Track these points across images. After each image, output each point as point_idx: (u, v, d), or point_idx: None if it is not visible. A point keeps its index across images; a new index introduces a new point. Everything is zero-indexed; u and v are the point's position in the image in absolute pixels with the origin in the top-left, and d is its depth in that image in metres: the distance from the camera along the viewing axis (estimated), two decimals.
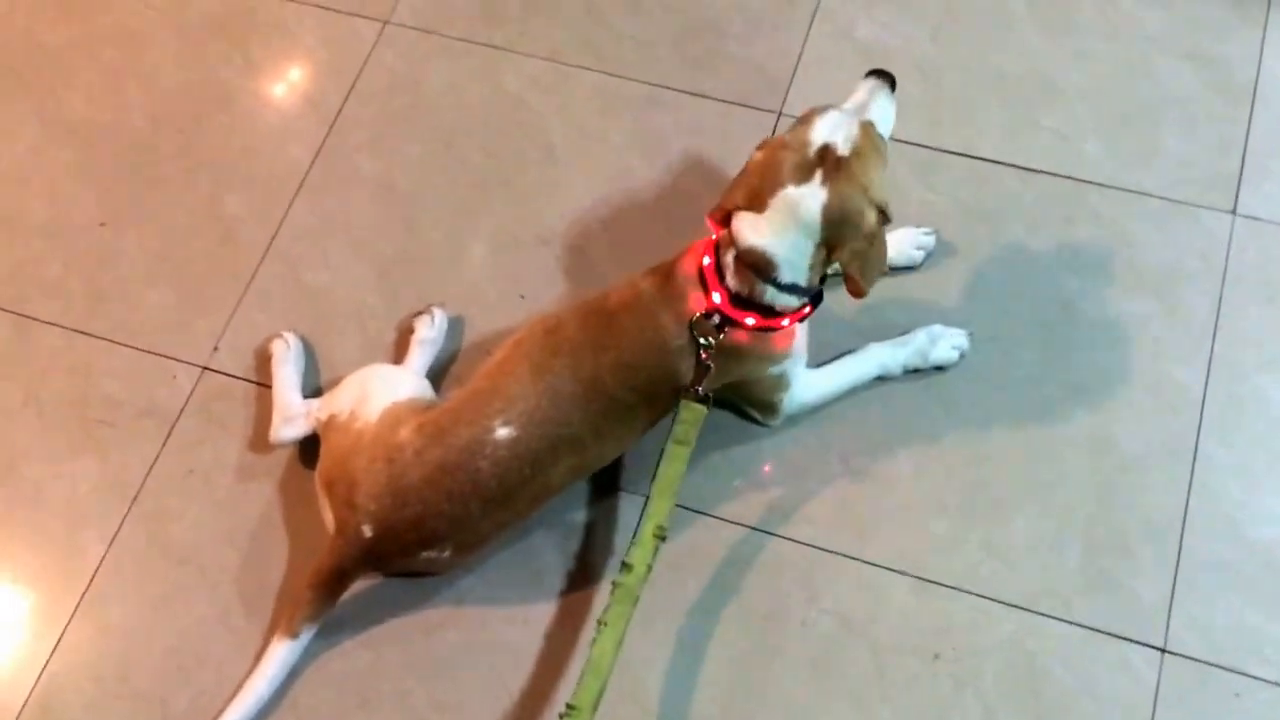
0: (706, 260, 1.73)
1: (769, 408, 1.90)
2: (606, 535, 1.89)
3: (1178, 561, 1.81)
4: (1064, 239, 2.06)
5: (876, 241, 1.69)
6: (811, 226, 1.65)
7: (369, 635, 1.84)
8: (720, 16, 2.33)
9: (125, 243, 2.18)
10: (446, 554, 1.77)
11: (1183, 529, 1.83)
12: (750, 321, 1.71)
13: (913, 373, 1.96)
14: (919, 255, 2.04)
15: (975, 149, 2.15)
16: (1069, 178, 2.11)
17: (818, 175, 1.64)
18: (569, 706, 1.58)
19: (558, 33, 2.34)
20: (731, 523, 1.88)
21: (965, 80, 2.22)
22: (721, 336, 1.71)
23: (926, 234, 2.05)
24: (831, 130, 1.66)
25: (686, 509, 1.89)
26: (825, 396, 1.94)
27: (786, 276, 1.68)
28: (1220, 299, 1.99)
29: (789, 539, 1.86)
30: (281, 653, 1.77)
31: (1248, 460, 1.87)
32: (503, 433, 1.73)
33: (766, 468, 1.92)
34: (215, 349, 2.06)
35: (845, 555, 1.85)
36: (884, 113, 1.75)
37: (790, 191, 1.65)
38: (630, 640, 1.66)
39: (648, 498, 1.71)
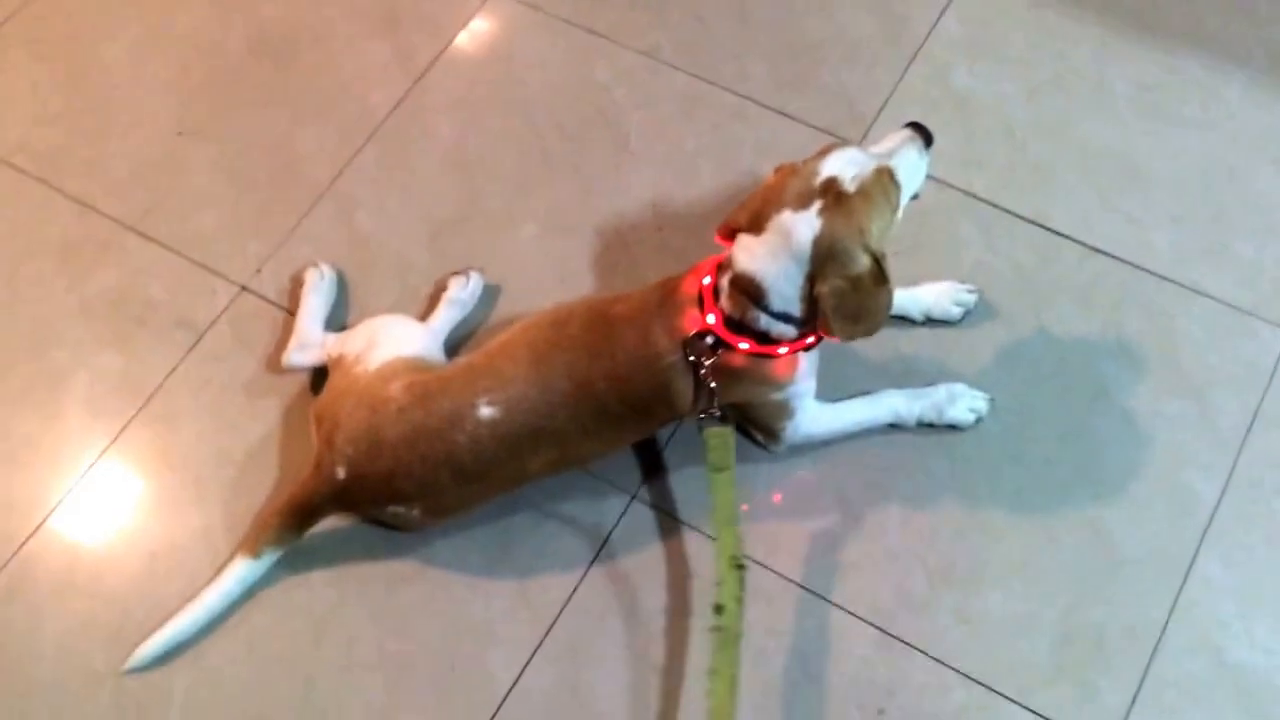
0: (707, 280, 1.72)
1: (771, 434, 1.89)
2: (584, 529, 1.89)
3: (1147, 669, 1.74)
4: (1111, 324, 2.01)
5: (863, 288, 1.62)
6: (801, 255, 1.62)
7: (336, 573, 1.87)
8: (823, 42, 2.32)
9: (196, 156, 2.25)
10: (415, 513, 1.79)
11: (1160, 638, 1.76)
12: (744, 347, 1.69)
13: (926, 426, 1.92)
14: (957, 311, 2.00)
15: (1044, 218, 2.11)
16: (1130, 264, 2.05)
17: (816, 205, 1.61)
18: None
19: (659, 30, 2.35)
20: (708, 537, 1.86)
21: (1050, 149, 2.17)
22: (715, 358, 1.70)
23: (970, 291, 2.01)
24: (843, 165, 1.63)
25: (668, 514, 1.88)
26: (833, 433, 1.91)
27: (777, 304, 1.65)
28: (1256, 414, 1.91)
29: (763, 565, 1.84)
30: (239, 569, 1.81)
31: (1244, 583, 1.80)
32: (485, 412, 1.73)
33: (776, 496, 1.90)
34: (258, 271, 2.12)
35: (815, 593, 1.82)
36: (910, 167, 1.70)
37: (786, 216, 1.62)
38: (581, 641, 1.65)
39: (715, 537, 1.69)
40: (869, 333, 1.68)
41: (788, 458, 1.92)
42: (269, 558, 1.82)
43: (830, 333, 1.66)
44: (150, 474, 1.96)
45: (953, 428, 1.92)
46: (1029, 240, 2.09)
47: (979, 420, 1.92)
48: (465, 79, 2.32)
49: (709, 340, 1.70)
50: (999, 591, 1.81)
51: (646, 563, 1.85)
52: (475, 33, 2.37)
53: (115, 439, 1.98)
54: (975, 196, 2.12)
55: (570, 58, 2.33)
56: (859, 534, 1.86)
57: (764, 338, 1.69)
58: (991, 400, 1.93)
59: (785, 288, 1.65)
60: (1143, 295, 2.03)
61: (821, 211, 1.61)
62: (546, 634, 1.81)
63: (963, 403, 1.92)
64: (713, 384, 1.71)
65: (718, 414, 1.73)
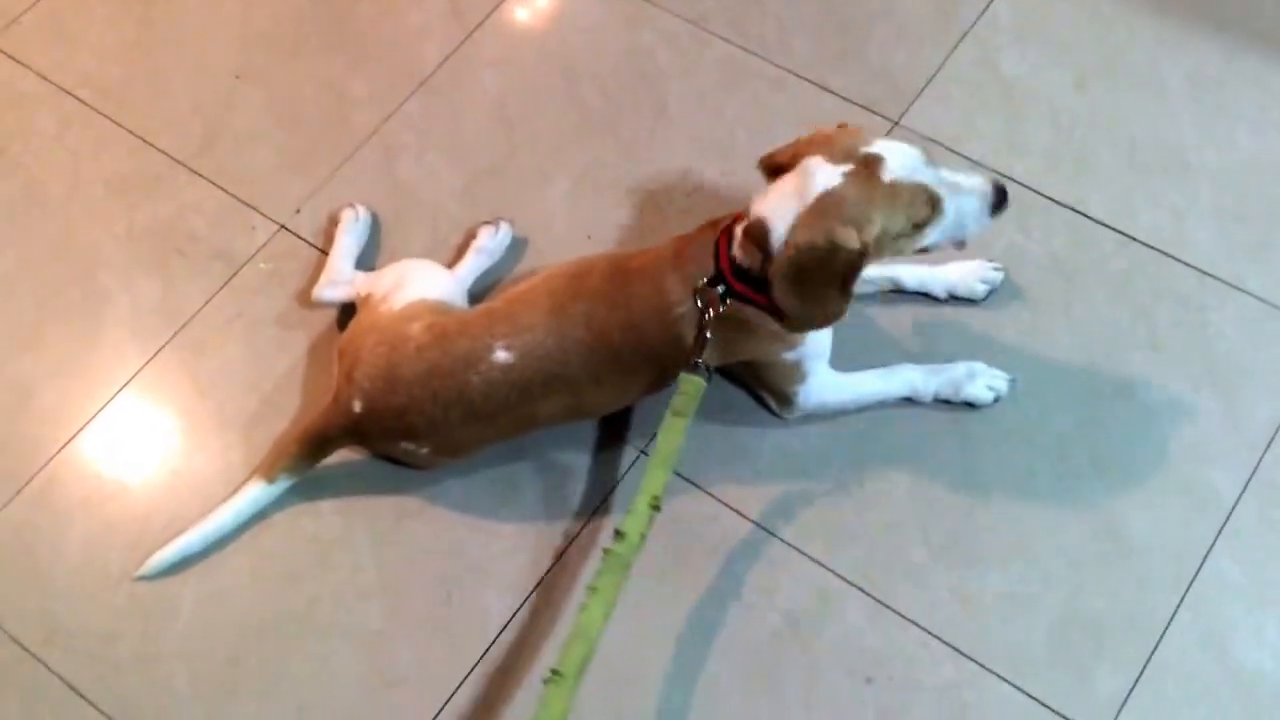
0: (721, 231, 1.72)
1: (783, 398, 1.88)
2: (591, 480, 1.90)
3: (1148, 661, 1.71)
4: (1144, 315, 1.97)
5: (828, 269, 1.60)
6: (806, 201, 1.61)
7: (345, 504, 1.91)
8: (870, 18, 2.31)
9: (251, 97, 2.31)
10: (425, 451, 1.82)
11: (1165, 631, 1.73)
12: (754, 299, 1.70)
13: (942, 403, 1.91)
14: (982, 290, 1.98)
15: (1084, 205, 2.07)
16: (1169, 255, 2.01)
17: (847, 165, 1.61)
18: (554, 672, 1.52)
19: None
20: (710, 495, 1.87)
21: (1097, 137, 2.14)
22: (724, 308, 1.70)
23: (995, 269, 1.99)
24: (895, 155, 1.61)
25: (676, 473, 1.88)
26: (847, 403, 1.90)
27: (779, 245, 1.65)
28: None
29: (763, 527, 1.84)
30: (253, 492, 1.86)
31: (1257, 584, 1.75)
32: (500, 355, 1.76)
33: (775, 465, 1.89)
34: (297, 211, 2.17)
35: (812, 558, 1.82)
36: (961, 212, 1.65)
37: (815, 161, 1.62)
38: (576, 587, 1.67)
39: (645, 467, 1.69)
40: (803, 319, 1.68)
41: (798, 425, 1.91)
42: (283, 483, 1.87)
43: (773, 294, 1.64)
44: (178, 398, 2.02)
45: (969, 406, 1.90)
46: (1065, 226, 2.06)
47: (997, 400, 1.90)
48: (513, 37, 2.35)
49: (719, 289, 1.71)
50: (1000, 572, 1.79)
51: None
52: None
53: (148, 362, 2.05)
54: (1013, 180, 2.09)
55: (618, 22, 2.35)
56: (862, 503, 1.85)
57: (772, 290, 1.68)
58: (1012, 381, 1.91)
59: (784, 233, 1.64)
60: (1179, 288, 1.99)
61: (848, 175, 1.60)
62: (543, 578, 1.83)
63: (981, 380, 1.90)
64: (708, 334, 1.71)
65: (703, 365, 1.72)
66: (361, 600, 1.84)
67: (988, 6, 2.29)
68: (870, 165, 1.60)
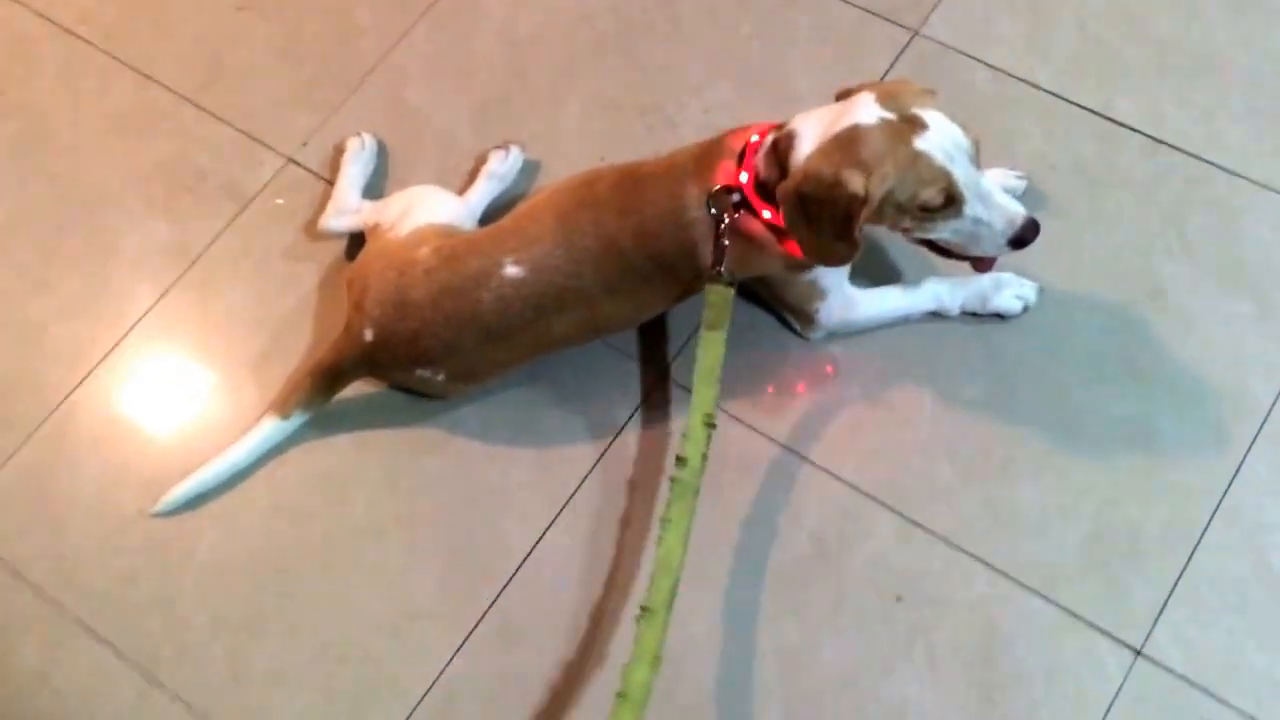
0: (755, 138, 1.67)
1: (805, 316, 1.83)
2: (611, 405, 1.87)
3: (1185, 568, 1.67)
4: (1173, 219, 1.91)
5: (833, 204, 1.54)
6: (836, 131, 1.56)
7: (362, 438, 1.88)
8: None
9: (255, 29, 2.26)
10: (440, 377, 1.79)
11: (1201, 537, 1.68)
12: (767, 215, 1.65)
13: (970, 315, 1.86)
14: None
15: (1110, 109, 2.01)
16: (1198, 158, 1.95)
17: (889, 113, 1.55)
18: (643, 609, 1.51)
19: None
20: (733, 418, 1.83)
21: (1122, 36, 2.07)
22: (735, 217, 1.65)
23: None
24: (941, 131, 1.54)
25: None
26: (870, 320, 1.85)
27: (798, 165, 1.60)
28: None
29: (788, 448, 1.80)
30: (267, 428, 1.83)
31: None
32: (511, 270, 1.72)
33: (800, 385, 1.85)
34: (305, 144, 2.13)
35: (839, 478, 1.78)
36: (985, 228, 1.60)
37: (866, 96, 1.57)
38: (601, 513, 1.64)
39: (691, 388, 1.66)
40: (807, 250, 1.63)
41: (822, 344, 1.86)
42: (297, 419, 1.84)
43: (778, 214, 1.61)
44: (189, 336, 1.99)
45: (998, 317, 1.85)
46: (1091, 131, 1.99)
47: (1026, 310, 1.85)
48: None
49: (735, 198, 1.66)
50: (1031, 485, 1.74)
51: (670, 441, 1.82)
52: None
53: (157, 301, 2.02)
54: (1037, 86, 2.03)
55: None
56: (887, 420, 1.81)
57: None
58: (1040, 289, 1.85)
59: (806, 152, 1.60)
60: (1209, 191, 1.92)
61: (884, 121, 1.55)
62: (564, 507, 1.80)
63: (1009, 290, 1.84)
64: (726, 242, 1.67)
65: (724, 275, 1.68)
66: (379, 535, 1.81)
67: None
68: (910, 125, 1.54)
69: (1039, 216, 1.88)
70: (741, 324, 1.84)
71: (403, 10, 2.25)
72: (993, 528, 1.72)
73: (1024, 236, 1.61)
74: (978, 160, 1.60)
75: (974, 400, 1.81)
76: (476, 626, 1.74)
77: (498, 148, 2.04)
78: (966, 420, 1.80)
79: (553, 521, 1.79)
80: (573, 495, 1.81)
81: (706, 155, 1.71)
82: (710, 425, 1.64)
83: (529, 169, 2.05)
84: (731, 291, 1.70)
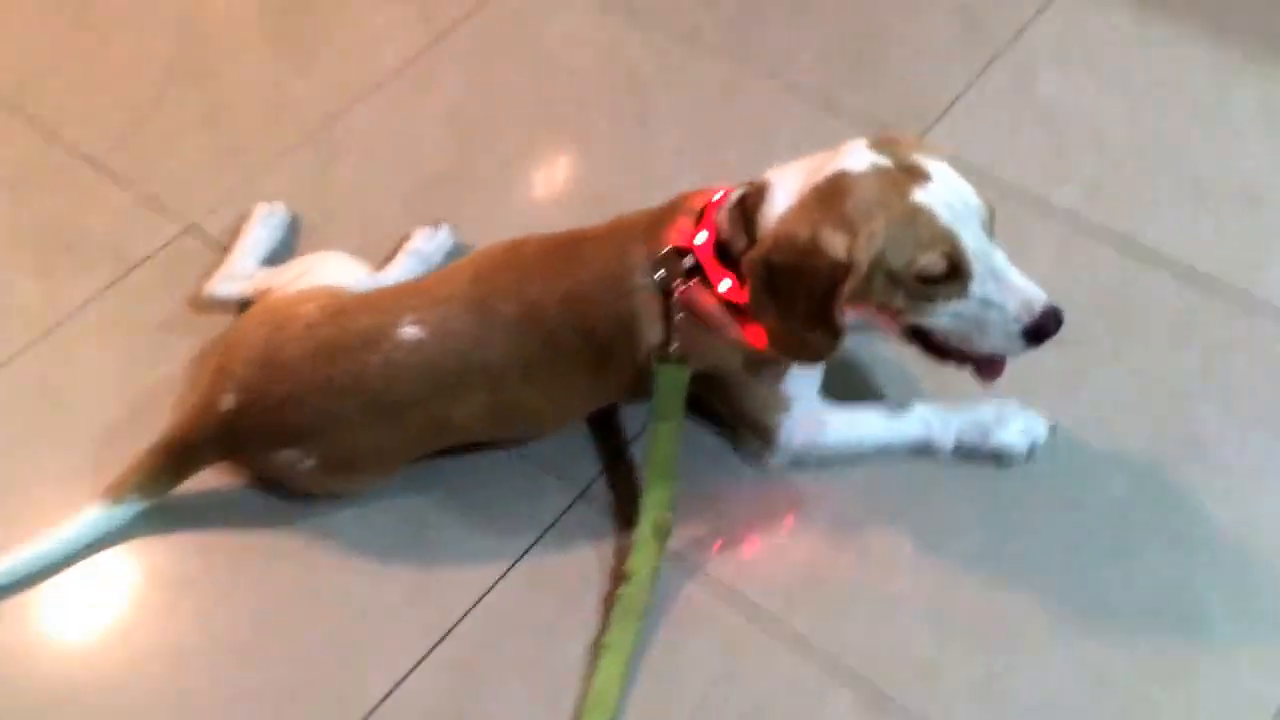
0: (719, 196, 1.38)
1: (763, 433, 1.49)
2: (512, 524, 1.51)
3: None
4: (1217, 362, 1.59)
5: (803, 272, 1.26)
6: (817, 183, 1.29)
7: (207, 540, 1.52)
8: (885, 37, 2.03)
9: (183, 96, 2.02)
10: (310, 464, 1.45)
11: None
12: (726, 285, 1.35)
13: (966, 453, 1.51)
14: None
15: (1138, 235, 1.72)
16: (1245, 292, 1.65)
17: (886, 157, 1.28)
18: None
19: (704, 13, 2.08)
20: (668, 555, 1.46)
21: (1152, 165, 1.81)
22: (687, 286, 1.35)
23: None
24: (946, 185, 1.27)
25: (627, 521, 1.49)
26: (844, 446, 1.51)
27: (768, 225, 1.31)
28: None
29: (733, 594, 1.43)
30: (92, 515, 1.48)
31: None
32: (409, 331, 1.40)
33: (753, 521, 1.50)
34: (212, 211, 1.85)
35: (793, 634, 1.40)
36: (994, 312, 1.29)
37: (858, 144, 1.30)
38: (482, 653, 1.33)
39: (641, 489, 1.40)
40: (777, 339, 1.33)
41: (783, 474, 1.52)
42: (131, 507, 1.49)
43: (739, 286, 1.33)
44: (28, 409, 1.66)
45: (999, 457, 1.51)
46: (1114, 258, 1.71)
47: (1033, 451, 1.51)
48: (487, 41, 2.07)
49: (688, 262, 1.36)
50: (1034, 666, 1.37)
51: (584, 571, 1.46)
52: (507, 2, 2.13)
53: (6, 364, 1.69)
54: (1051, 204, 1.75)
55: (603, 33, 2.08)
56: (857, 570, 1.45)
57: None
58: (1053, 428, 1.52)
59: (780, 208, 1.31)
60: (1259, 332, 1.62)
61: (877, 168, 1.27)
62: (441, 640, 1.42)
63: (1015, 424, 1.51)
64: (679, 314, 1.36)
65: (676, 350, 1.37)
66: (203, 659, 1.43)
67: (1023, 28, 2.00)
68: (909, 174, 1.27)
69: (1056, 351, 1.58)
70: (684, 444, 1.50)
71: (347, 86, 2.01)
72: (981, 717, 1.33)
73: (1043, 327, 1.30)
74: (991, 229, 1.30)
75: (966, 555, 1.45)
76: None
77: (427, 226, 1.76)
78: (955, 578, 1.44)
79: (424, 658, 1.41)
80: (455, 625, 1.43)
81: (661, 215, 1.42)
82: (663, 534, 1.37)
83: (460, 252, 1.76)
84: (685, 374, 1.39)
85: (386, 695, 1.38)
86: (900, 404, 1.53)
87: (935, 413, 1.51)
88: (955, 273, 1.27)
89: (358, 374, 1.40)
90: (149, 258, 1.80)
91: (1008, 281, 1.29)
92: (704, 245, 1.36)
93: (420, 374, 1.40)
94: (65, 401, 1.66)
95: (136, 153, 1.94)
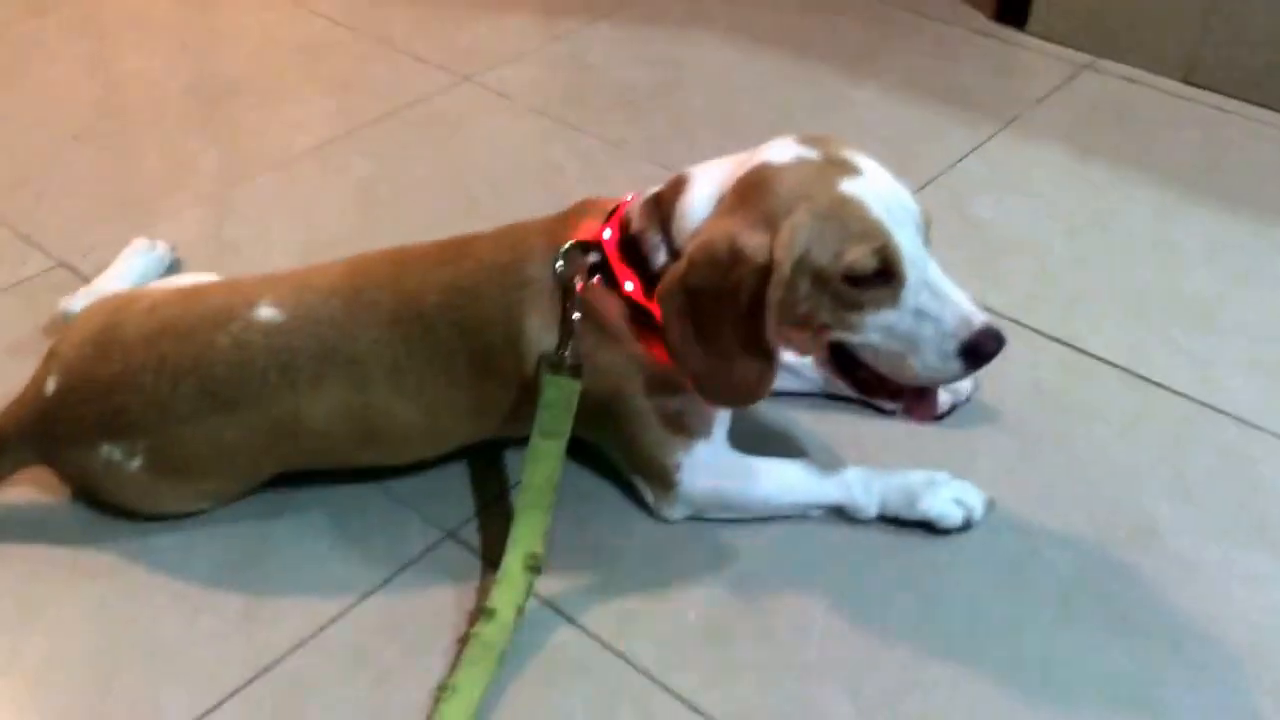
0: (632, 197, 1.27)
1: (660, 478, 1.30)
2: (364, 558, 1.29)
3: None
4: (1170, 461, 1.44)
5: (725, 288, 1.13)
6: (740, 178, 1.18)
7: (11, 552, 1.29)
8: None
9: (82, 156, 1.96)
10: (135, 465, 1.24)
11: None
12: (629, 287, 1.21)
13: (890, 521, 1.34)
14: (944, 400, 1.46)
15: (1080, 341, 1.61)
16: (1200, 402, 1.52)
17: (815, 153, 1.17)
18: None
19: (633, 128, 2.03)
20: (550, 607, 1.25)
21: (1094, 282, 1.72)
22: (590, 284, 1.22)
23: (966, 380, 1.47)
24: (877, 181, 1.15)
25: (494, 566, 1.28)
26: (752, 501, 1.32)
27: (683, 226, 1.18)
28: None
29: (617, 653, 1.21)
30: None
31: None
32: (265, 312, 1.24)
33: (642, 576, 1.29)
34: (86, 255, 1.71)
35: (684, 700, 1.17)
36: (929, 328, 1.15)
37: (780, 139, 1.19)
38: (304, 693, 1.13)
39: (511, 516, 1.22)
40: (699, 380, 1.19)
41: (680, 527, 1.33)
42: None
43: (657, 314, 1.19)
44: None
45: (930, 526, 1.33)
46: (1057, 359, 1.58)
47: (968, 525, 1.33)
48: (401, 137, 2.01)
49: (591, 258, 1.22)
50: None
51: (440, 614, 1.23)
52: (428, 105, 2.09)
53: None
54: (989, 309, 1.64)
55: (527, 136, 2.02)
56: (763, 637, 1.23)
57: (651, 282, 1.20)
58: (991, 502, 1.35)
59: (701, 210, 1.19)
60: (1216, 436, 1.47)
61: (803, 160, 1.16)
62: (259, 675, 1.18)
63: (947, 492, 1.33)
64: (576, 315, 1.21)
65: (569, 359, 1.21)
66: None
67: (958, 161, 1.95)
68: (837, 167, 1.15)
69: (988, 432, 1.48)
70: (570, 489, 1.32)
71: (254, 161, 1.93)
72: None
73: (981, 345, 1.15)
74: (927, 238, 1.18)
75: (889, 623, 1.25)
76: None
77: None
78: (878, 645, 1.22)
79: (236, 692, 1.16)
80: (281, 660, 1.19)
81: (566, 214, 1.30)
82: (533, 569, 1.17)
83: None
84: (576, 388, 1.22)
85: None
86: (820, 463, 1.36)
87: (858, 474, 1.34)
88: (886, 275, 1.14)
89: (198, 355, 1.22)
90: (8, 288, 1.65)
91: (943, 293, 1.15)
92: (610, 241, 1.23)
93: (272, 360, 1.22)
94: None
95: (22, 199, 1.84)
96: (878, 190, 1.14)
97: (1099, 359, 1.58)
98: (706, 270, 1.14)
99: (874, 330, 1.16)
